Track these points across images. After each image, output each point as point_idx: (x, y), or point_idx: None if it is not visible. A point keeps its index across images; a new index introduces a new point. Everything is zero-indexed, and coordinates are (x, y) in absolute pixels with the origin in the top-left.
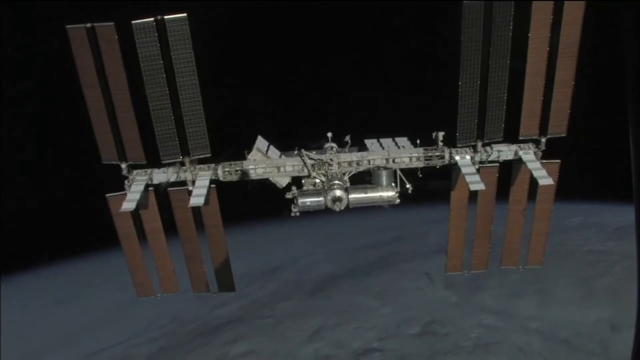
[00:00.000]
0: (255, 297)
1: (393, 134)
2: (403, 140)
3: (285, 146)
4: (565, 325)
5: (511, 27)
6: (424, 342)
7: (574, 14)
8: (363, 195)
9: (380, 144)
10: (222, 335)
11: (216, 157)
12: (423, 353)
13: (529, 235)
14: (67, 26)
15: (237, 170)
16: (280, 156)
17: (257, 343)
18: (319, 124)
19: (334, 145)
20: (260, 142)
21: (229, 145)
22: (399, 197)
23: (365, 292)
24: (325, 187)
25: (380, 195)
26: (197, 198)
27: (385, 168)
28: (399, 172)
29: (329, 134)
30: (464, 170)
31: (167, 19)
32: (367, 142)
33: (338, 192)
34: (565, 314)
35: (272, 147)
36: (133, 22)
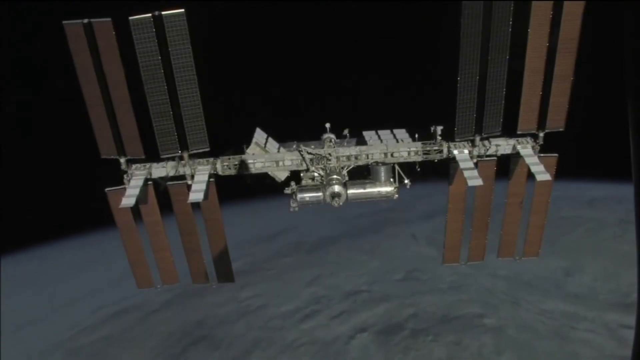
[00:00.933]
0: (259, 256)
1: (391, 126)
2: (401, 133)
3: (284, 136)
4: (528, 271)
5: (510, 23)
6: (406, 285)
7: (573, 11)
8: (362, 190)
9: (379, 137)
10: (230, 284)
11: (221, 153)
12: (405, 293)
13: (526, 226)
14: (64, 22)
15: (235, 165)
16: (278, 148)
17: (262, 288)
18: (317, 115)
19: (332, 136)
20: (259, 135)
21: (228, 141)
22: (398, 192)
23: (358, 249)
24: (324, 182)
25: (379, 191)
26: (197, 194)
27: (383, 164)
28: (397, 167)
29: (327, 125)
30: (462, 165)
31: (164, 14)
32: (366, 134)
33: (337, 188)
34: (529, 264)
35: (270, 139)
36: (130, 18)
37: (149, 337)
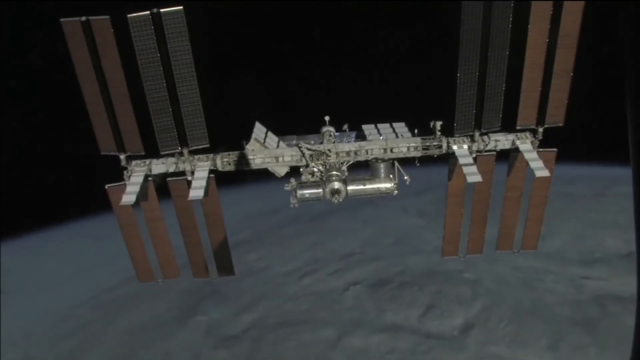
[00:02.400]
0: (262, 227)
1: (390, 119)
2: (400, 126)
3: (283, 128)
4: None
5: (510, 19)
6: (396, 248)
7: (574, 8)
8: (361, 187)
9: (378, 130)
10: (236, 250)
11: (216, 149)
12: (394, 255)
13: (524, 219)
14: (62, 19)
15: (235, 161)
16: (278, 142)
17: (265, 253)
18: (316, 107)
19: (331, 129)
20: (258, 129)
21: (227, 136)
22: (397, 188)
23: (353, 220)
24: (324, 178)
25: (379, 187)
26: (197, 191)
27: (383, 160)
28: (397, 164)
29: (327, 118)
30: (461, 160)
31: (163, 12)
32: (365, 127)
33: (336, 185)
34: None
35: (270, 133)
36: (129, 15)
37: (166, 293)
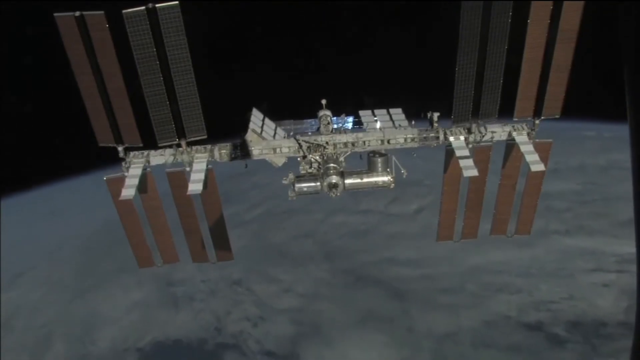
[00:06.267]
0: (261, 163)
1: (388, 102)
2: (397, 112)
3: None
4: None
5: (510, 14)
6: None
7: (573, 6)
8: (359, 180)
9: (375, 116)
10: (241, 177)
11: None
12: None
13: (518, 205)
14: (55, 14)
15: (233, 152)
16: (275, 129)
17: (269, 176)
18: (314, 94)
19: (328, 113)
20: (255, 117)
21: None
22: (394, 181)
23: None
24: (321, 170)
25: (376, 181)
26: (196, 184)
27: (380, 154)
28: (394, 159)
29: (323, 101)
30: (457, 153)
31: (158, 7)
32: (362, 113)
33: (334, 179)
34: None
35: (267, 120)
36: (124, 11)
37: None
